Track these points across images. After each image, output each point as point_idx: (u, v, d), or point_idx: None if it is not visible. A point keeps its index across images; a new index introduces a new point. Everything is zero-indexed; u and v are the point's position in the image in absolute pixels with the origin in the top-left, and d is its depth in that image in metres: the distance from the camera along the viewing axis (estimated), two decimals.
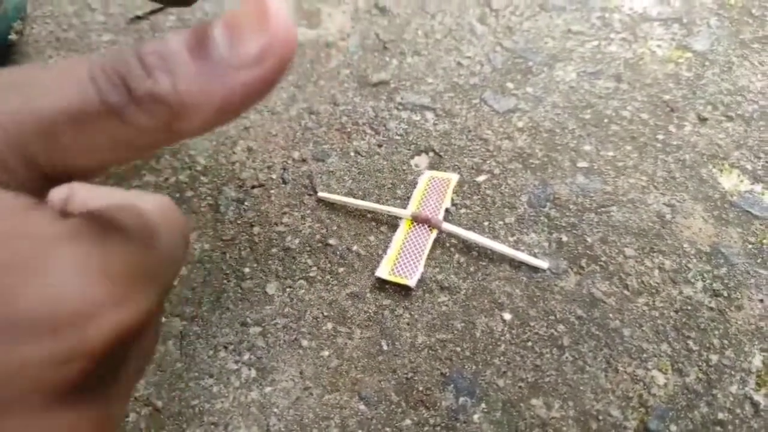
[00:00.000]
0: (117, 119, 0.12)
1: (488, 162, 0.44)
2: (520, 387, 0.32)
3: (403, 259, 0.37)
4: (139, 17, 0.56)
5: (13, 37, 0.47)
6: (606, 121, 0.47)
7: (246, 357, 0.35)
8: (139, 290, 0.12)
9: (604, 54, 0.53)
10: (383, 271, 0.37)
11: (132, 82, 0.12)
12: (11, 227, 0.11)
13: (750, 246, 0.39)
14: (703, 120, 0.47)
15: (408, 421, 0.32)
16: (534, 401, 0.32)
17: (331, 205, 0.41)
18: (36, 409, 0.11)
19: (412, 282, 0.36)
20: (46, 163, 0.12)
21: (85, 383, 0.12)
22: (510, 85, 0.50)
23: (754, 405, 0.32)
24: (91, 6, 0.58)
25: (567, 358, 0.34)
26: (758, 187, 0.42)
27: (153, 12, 0.57)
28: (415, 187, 0.42)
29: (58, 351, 0.11)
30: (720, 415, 0.31)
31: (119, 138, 0.12)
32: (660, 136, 0.46)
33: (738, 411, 0.31)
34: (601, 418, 0.31)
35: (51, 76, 0.12)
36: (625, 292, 0.36)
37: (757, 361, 0.33)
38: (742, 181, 0.42)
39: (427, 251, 0.38)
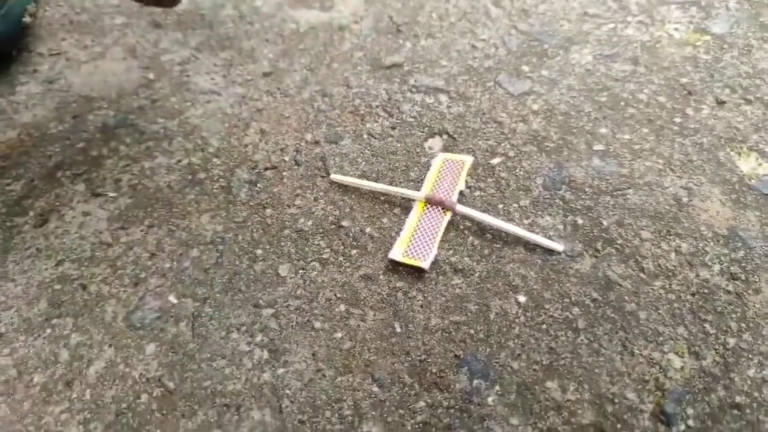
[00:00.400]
0: None
1: (503, 145, 0.43)
2: (534, 370, 0.32)
3: (416, 241, 0.37)
4: None
5: (27, 19, 0.47)
6: (622, 104, 0.46)
7: (258, 338, 0.35)
8: None
9: (621, 37, 0.52)
10: (396, 253, 0.37)
11: None
12: None
13: None
14: (721, 103, 0.46)
15: (422, 403, 0.32)
16: (549, 384, 0.32)
17: (344, 187, 0.41)
18: None
19: (425, 264, 0.36)
20: None
21: None
22: (525, 68, 0.49)
23: None
24: None
25: (582, 340, 0.33)
26: None
27: None
28: (428, 170, 0.41)
29: None
30: (737, 399, 0.31)
31: None
32: (677, 119, 0.45)
33: (756, 394, 0.31)
34: (616, 401, 0.31)
35: None
36: (641, 275, 0.36)
37: None
38: (760, 164, 0.42)
39: (440, 233, 0.37)
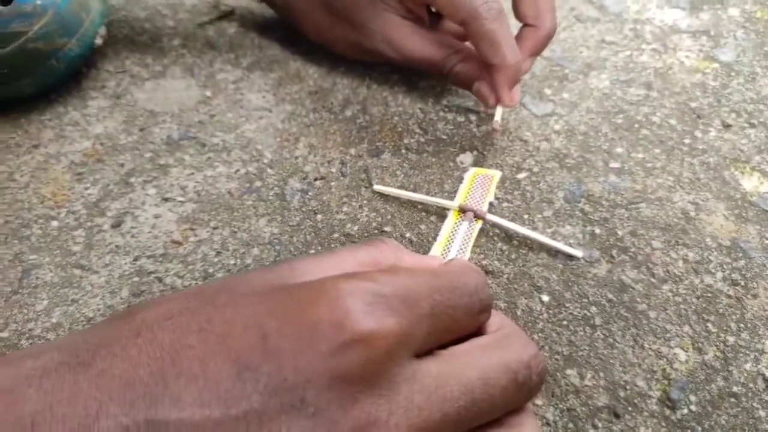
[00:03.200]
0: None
1: (528, 161, 0.48)
2: (556, 359, 0.37)
3: (451, 245, 0.42)
4: (205, 23, 0.61)
5: (99, 41, 0.52)
6: (637, 125, 0.51)
7: None
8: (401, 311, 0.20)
9: (636, 63, 0.57)
10: (435, 255, 0.41)
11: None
12: None
13: (767, 242, 0.42)
14: (727, 126, 0.51)
15: None
16: (569, 371, 0.36)
17: (385, 197, 0.46)
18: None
19: None
20: None
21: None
22: (548, 91, 0.54)
23: (766, 380, 0.36)
24: (162, 12, 0.63)
25: (598, 335, 0.38)
26: None
27: (219, 18, 0.62)
28: (461, 182, 0.46)
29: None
30: (734, 389, 0.35)
31: None
32: (687, 141, 0.50)
33: (751, 385, 0.35)
34: (628, 387, 0.35)
35: None
36: (652, 279, 0.40)
37: None
38: (761, 182, 0.46)
39: (473, 239, 0.42)
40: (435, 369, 0.20)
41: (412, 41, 0.49)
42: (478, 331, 0.24)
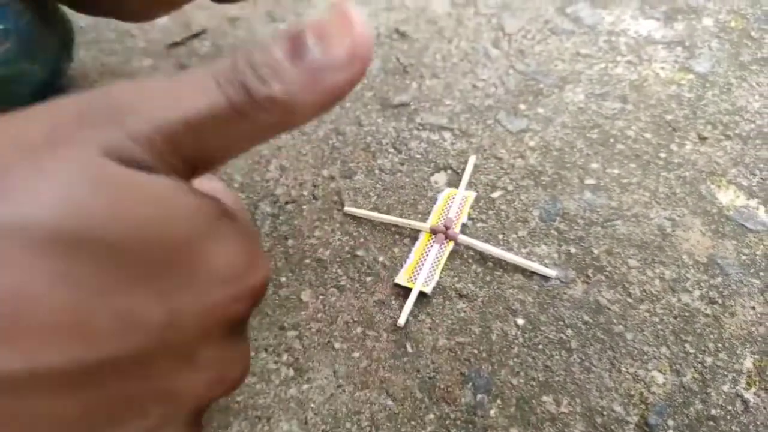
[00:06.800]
0: (241, 118, 0.16)
1: (502, 179, 0.48)
2: (532, 385, 0.36)
3: (420, 267, 0.41)
4: (177, 43, 0.60)
5: (65, 66, 0.51)
6: (612, 140, 0.50)
7: (284, 358, 0.38)
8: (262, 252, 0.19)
9: (611, 76, 0.56)
10: (402, 279, 0.41)
11: (251, 89, 0.16)
12: (185, 205, 0.16)
13: (744, 257, 0.42)
14: (703, 139, 0.50)
15: (431, 416, 0.36)
16: (544, 398, 0.35)
17: (358, 220, 0.45)
18: (221, 339, 0.17)
19: (427, 289, 0.40)
20: (189, 156, 0.17)
21: (242, 323, 0.19)
22: (522, 106, 0.54)
23: (744, 402, 0.35)
24: (131, 32, 0.62)
25: (575, 359, 0.37)
26: (753, 203, 0.45)
27: (190, 38, 0.61)
28: (434, 203, 0.45)
29: (237, 293, 0.17)
30: (713, 411, 0.35)
31: (242, 133, 0.17)
32: (662, 155, 0.49)
33: (729, 407, 0.35)
34: (605, 413, 0.35)
35: (183, 86, 0.17)
36: (629, 299, 0.40)
37: (748, 363, 0.37)
38: (738, 196, 0.46)
39: (443, 261, 0.41)
40: None
41: None
42: None
